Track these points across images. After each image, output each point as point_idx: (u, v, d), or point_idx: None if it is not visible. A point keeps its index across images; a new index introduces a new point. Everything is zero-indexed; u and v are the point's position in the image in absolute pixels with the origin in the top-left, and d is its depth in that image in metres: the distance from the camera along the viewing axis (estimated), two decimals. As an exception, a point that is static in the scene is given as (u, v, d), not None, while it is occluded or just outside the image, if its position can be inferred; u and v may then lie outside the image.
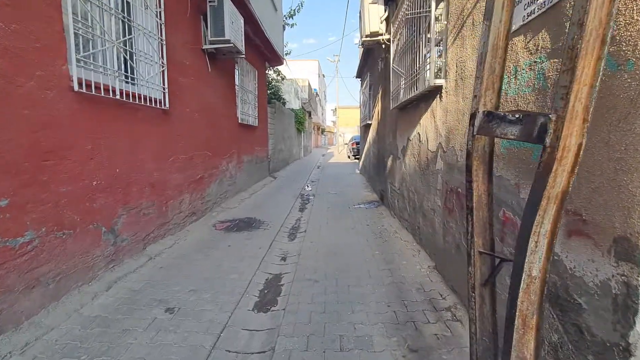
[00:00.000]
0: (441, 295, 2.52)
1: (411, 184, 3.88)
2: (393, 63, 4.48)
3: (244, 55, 5.46)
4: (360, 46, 6.34)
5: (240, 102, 6.61)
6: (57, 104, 2.35)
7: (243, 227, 4.58)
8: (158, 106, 3.59)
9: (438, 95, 2.88)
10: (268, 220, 4.92)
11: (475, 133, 1.07)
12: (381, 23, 4.84)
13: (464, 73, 2.34)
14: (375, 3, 4.77)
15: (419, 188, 3.54)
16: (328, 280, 2.86)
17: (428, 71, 2.91)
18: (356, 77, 11.21)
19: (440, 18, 2.79)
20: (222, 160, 5.71)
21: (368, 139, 8.75)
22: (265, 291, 2.82)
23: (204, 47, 4.75)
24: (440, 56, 2.84)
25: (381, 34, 4.87)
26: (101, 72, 2.70)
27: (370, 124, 8.06)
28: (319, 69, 35.77)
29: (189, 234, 4.18)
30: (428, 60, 2.90)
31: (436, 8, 2.72)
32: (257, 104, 7.97)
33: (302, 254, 3.51)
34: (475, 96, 1.11)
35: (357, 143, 16.27)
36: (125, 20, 3.11)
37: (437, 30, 2.77)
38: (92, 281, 2.71)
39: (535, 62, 1.47)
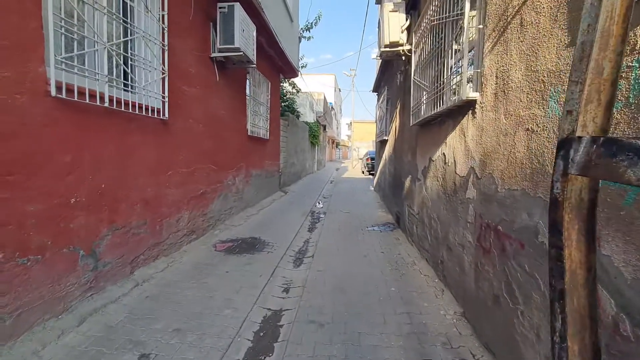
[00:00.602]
0: (474, 357, 2.04)
1: (433, 211, 3.42)
2: (414, 75, 4.09)
3: (254, 65, 5.18)
4: (378, 58, 6.01)
5: (250, 113, 6.33)
6: (29, 110, 2.04)
7: (245, 248, 4.19)
8: (156, 116, 3.29)
9: (470, 111, 2.46)
10: (273, 241, 4.52)
11: (572, 172, 0.65)
12: (402, 33, 4.48)
13: (507, 85, 1.92)
14: (396, 11, 4.43)
15: (443, 216, 3.08)
16: (335, 325, 2.42)
17: (459, 83, 2.50)
18: (372, 91, 10.87)
19: (473, 21, 2.40)
20: (228, 174, 5.38)
21: (384, 156, 8.31)
22: (261, 334, 2.41)
23: (213, 55, 4.49)
24: (471, 65, 2.44)
25: (401, 44, 4.51)
26: (87, 77, 2.40)
27: (387, 140, 7.64)
28: (335, 83, 35.82)
29: (185, 255, 3.82)
30: (459, 70, 2.49)
31: (471, 9, 2.33)
32: (269, 116, 7.68)
33: (307, 287, 3.08)
34: (568, 112, 0.69)
35: (372, 159, 15.81)
36: (121, 21, 2.85)
37: (471, 36, 2.38)
38: (63, 313, 2.36)
39: (629, 66, 1.05)
